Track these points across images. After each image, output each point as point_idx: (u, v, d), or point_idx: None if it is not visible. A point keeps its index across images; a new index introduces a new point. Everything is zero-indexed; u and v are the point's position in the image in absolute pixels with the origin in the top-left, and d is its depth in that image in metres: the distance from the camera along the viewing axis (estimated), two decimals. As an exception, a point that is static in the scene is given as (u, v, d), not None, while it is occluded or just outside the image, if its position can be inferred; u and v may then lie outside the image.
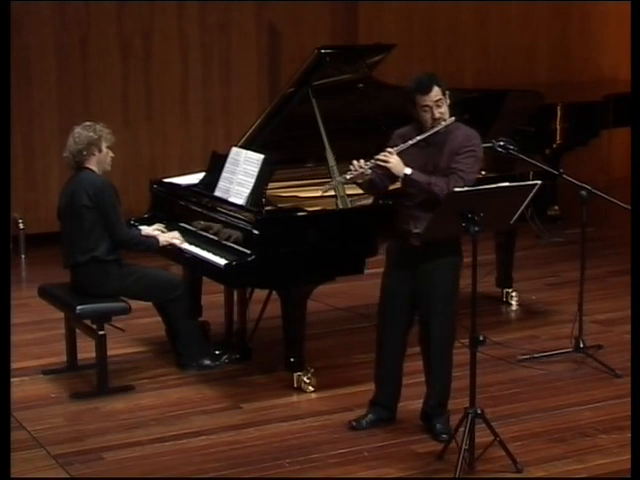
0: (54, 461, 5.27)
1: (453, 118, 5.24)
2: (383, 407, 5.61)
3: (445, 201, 5.00)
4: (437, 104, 5.21)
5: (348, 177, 5.33)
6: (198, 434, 5.57)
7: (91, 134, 6.16)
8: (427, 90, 5.19)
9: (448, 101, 5.26)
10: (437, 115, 5.21)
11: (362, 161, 5.29)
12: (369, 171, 5.28)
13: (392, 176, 5.31)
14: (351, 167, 5.31)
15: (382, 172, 5.31)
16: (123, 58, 9.69)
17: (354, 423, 5.59)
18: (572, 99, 10.02)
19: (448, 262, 5.31)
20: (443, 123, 5.22)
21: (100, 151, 6.19)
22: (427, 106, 5.21)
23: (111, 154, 6.24)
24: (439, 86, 5.22)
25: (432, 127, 5.23)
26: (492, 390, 6.01)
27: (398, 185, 5.38)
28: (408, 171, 5.20)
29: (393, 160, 5.21)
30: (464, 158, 5.21)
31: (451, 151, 5.24)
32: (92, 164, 6.20)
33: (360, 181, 5.37)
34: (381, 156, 5.23)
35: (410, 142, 5.24)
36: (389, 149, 5.25)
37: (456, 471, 4.90)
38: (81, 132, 6.18)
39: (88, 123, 6.24)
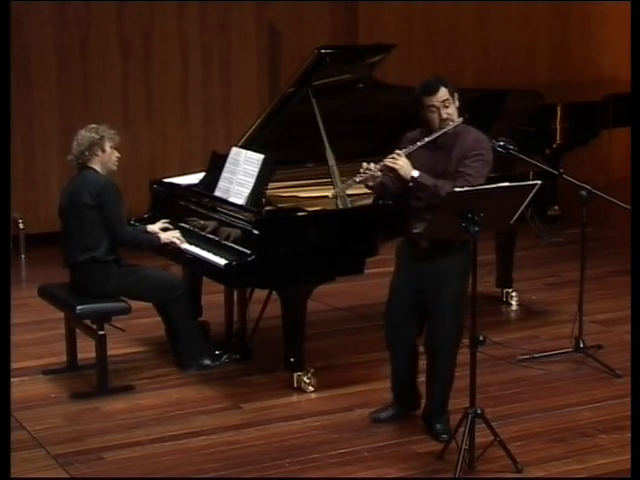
0: (54, 461, 5.27)
1: (461, 119, 5.20)
2: (403, 405, 5.63)
3: (445, 201, 4.99)
4: (444, 104, 5.16)
5: (357, 180, 5.28)
6: (198, 434, 5.57)
7: (93, 135, 6.18)
8: (434, 91, 5.16)
9: (457, 103, 5.22)
10: (444, 115, 5.17)
11: (372, 164, 5.24)
12: (378, 173, 5.25)
13: (402, 179, 5.25)
14: (360, 170, 5.26)
15: (393, 175, 5.27)
16: (123, 58, 9.69)
17: (374, 415, 5.62)
18: (572, 99, 10.01)
19: (457, 264, 5.24)
20: (451, 124, 5.17)
21: (103, 151, 6.19)
22: (434, 106, 5.17)
23: (117, 154, 6.24)
24: (446, 87, 5.18)
25: (440, 128, 5.18)
26: (492, 390, 6.01)
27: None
28: (415, 174, 5.16)
29: (401, 162, 5.16)
30: (472, 162, 5.16)
31: (460, 155, 5.19)
32: (95, 164, 6.20)
33: (371, 184, 5.33)
34: (389, 158, 5.19)
35: (419, 144, 5.20)
36: (397, 151, 5.21)
37: (456, 471, 4.90)
38: (84, 134, 6.21)
39: (92, 125, 6.25)
